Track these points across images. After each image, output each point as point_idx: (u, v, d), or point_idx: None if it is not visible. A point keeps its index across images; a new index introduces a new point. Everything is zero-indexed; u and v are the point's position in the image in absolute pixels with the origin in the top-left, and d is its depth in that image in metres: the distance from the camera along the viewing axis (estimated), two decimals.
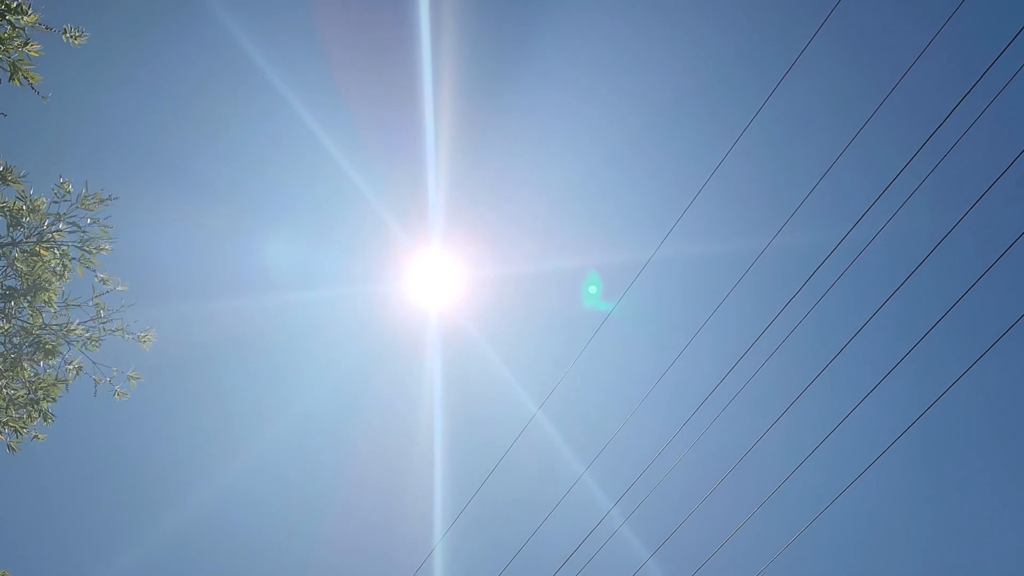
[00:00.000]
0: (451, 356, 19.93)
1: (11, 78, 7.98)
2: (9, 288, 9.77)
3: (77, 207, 9.78)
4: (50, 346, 9.97)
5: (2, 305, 9.75)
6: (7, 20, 7.74)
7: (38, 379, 10.03)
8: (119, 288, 10.29)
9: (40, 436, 10.24)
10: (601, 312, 18.16)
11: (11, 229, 9.48)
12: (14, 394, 9.91)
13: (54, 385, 10.02)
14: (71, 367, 10.24)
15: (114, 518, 19.50)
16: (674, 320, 18.22)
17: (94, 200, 9.80)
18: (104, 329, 10.33)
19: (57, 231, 9.68)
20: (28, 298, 9.72)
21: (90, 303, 10.22)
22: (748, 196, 17.57)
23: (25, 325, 9.87)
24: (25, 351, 9.91)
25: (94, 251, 9.88)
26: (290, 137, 18.14)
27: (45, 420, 10.18)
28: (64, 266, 9.86)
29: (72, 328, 10.07)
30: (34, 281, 9.69)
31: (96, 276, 10.12)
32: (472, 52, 17.97)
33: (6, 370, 9.82)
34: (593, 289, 18.41)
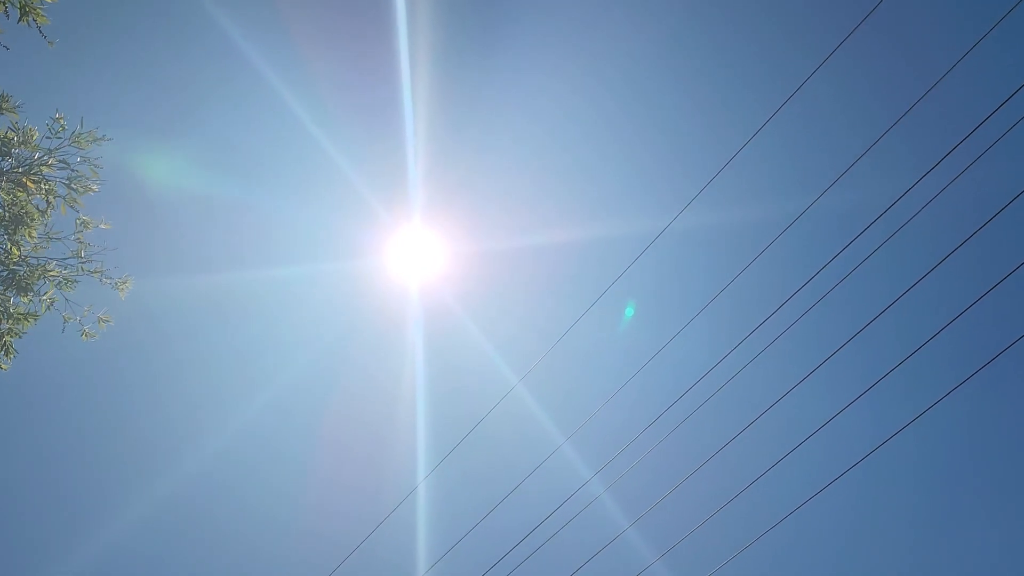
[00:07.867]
0: (432, 331, 19.86)
1: (20, 18, 7.91)
2: None
3: (70, 144, 9.65)
4: (25, 282, 9.80)
5: None
6: None
7: (8, 309, 9.85)
8: (102, 227, 10.16)
9: (3, 366, 10.08)
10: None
11: (1, 158, 9.29)
12: None
13: (24, 318, 9.85)
14: (44, 298, 10.06)
15: (109, 484, 19.00)
16: (659, 296, 18.16)
17: (88, 138, 9.68)
18: (82, 269, 10.19)
19: (45, 165, 9.52)
20: (8, 231, 9.53)
21: (72, 237, 10.07)
22: (733, 169, 17.57)
23: (0, 258, 9.68)
24: None
25: (81, 190, 9.75)
26: (270, 113, 17.72)
27: (7, 355, 10.01)
28: (48, 203, 9.70)
29: (49, 268, 9.91)
30: (16, 213, 9.51)
31: (78, 217, 9.99)
32: (451, 26, 17.75)
33: None
34: (629, 313, 18.45)
